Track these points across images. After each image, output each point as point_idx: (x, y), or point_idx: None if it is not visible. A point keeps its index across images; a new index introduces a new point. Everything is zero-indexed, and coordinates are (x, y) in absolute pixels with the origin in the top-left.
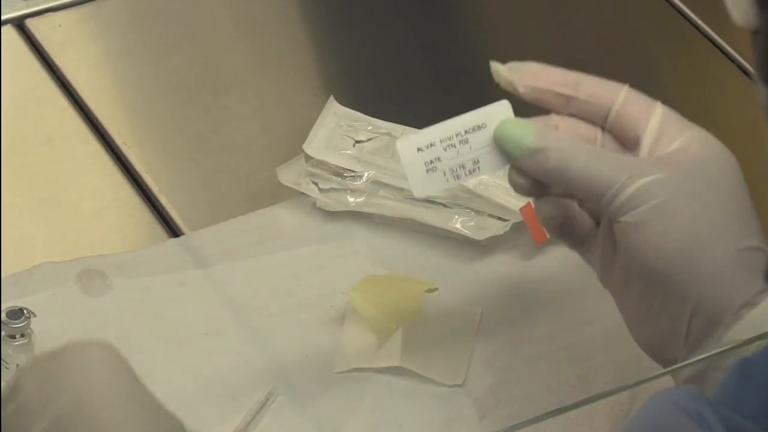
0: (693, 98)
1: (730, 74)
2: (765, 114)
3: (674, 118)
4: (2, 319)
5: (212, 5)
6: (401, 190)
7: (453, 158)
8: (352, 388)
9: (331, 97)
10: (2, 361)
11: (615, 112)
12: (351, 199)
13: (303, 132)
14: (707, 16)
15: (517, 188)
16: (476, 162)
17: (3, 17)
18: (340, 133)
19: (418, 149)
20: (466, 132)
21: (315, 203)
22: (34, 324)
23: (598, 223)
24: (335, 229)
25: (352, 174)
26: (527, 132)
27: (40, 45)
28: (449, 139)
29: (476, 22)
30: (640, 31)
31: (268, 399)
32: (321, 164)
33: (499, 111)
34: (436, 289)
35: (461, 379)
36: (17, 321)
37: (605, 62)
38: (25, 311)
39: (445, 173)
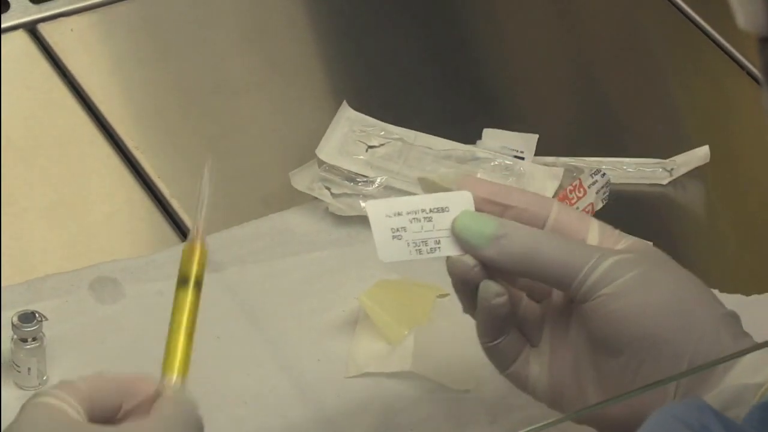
0: (701, 104)
1: (739, 80)
2: None
3: (609, 226)
4: (14, 322)
5: (224, 10)
6: (414, 195)
7: (417, 232)
8: (364, 392)
9: (344, 103)
10: (14, 365)
11: (552, 220)
12: (363, 204)
13: (316, 137)
14: (716, 22)
15: (467, 276)
16: (437, 242)
17: (15, 22)
18: (352, 138)
19: (386, 215)
20: (430, 210)
21: (327, 208)
22: (47, 330)
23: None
24: (347, 234)
25: (365, 179)
26: (489, 222)
27: (52, 49)
28: (415, 213)
29: (487, 29)
30: (649, 37)
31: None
32: (334, 169)
33: (461, 200)
34: (448, 294)
35: (472, 384)
36: (29, 324)
37: (613, 68)
38: (36, 315)
39: (408, 244)
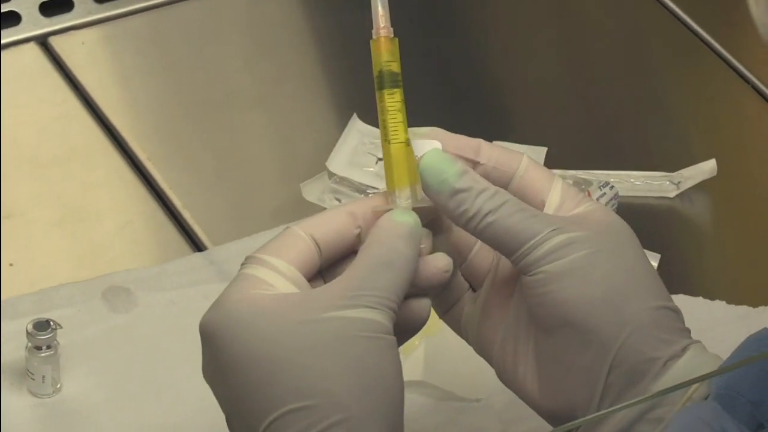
0: (708, 118)
1: (745, 95)
2: None
3: (573, 189)
4: (29, 330)
5: (235, 23)
6: None
7: None
8: None
9: (354, 115)
10: (28, 373)
11: (519, 177)
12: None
13: (326, 149)
14: (723, 38)
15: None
16: None
17: (27, 35)
18: (362, 150)
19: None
20: None
21: None
22: (60, 338)
23: (472, 288)
24: None
25: (375, 190)
26: (452, 166)
27: (64, 62)
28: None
29: (496, 41)
30: (657, 52)
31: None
32: (344, 181)
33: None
34: None
35: (483, 393)
36: (43, 332)
37: (621, 82)
38: (51, 323)
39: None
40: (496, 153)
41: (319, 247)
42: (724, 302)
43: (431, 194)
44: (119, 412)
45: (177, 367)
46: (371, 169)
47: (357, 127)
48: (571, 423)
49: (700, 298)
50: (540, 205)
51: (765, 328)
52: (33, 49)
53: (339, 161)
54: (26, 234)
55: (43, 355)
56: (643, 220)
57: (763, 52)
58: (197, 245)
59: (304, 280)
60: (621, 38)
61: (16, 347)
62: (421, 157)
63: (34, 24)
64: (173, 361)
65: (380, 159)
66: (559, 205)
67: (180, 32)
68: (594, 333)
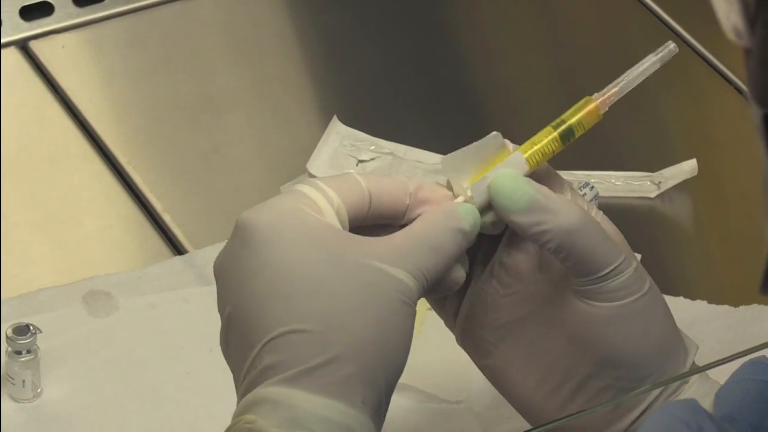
0: (688, 117)
1: (725, 93)
2: (759, 133)
3: (577, 193)
4: (8, 335)
5: (215, 26)
6: None
7: None
8: None
9: (335, 117)
10: (8, 377)
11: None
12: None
13: (306, 151)
14: (702, 36)
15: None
16: None
17: (7, 39)
18: (343, 152)
19: None
20: None
21: None
22: (40, 342)
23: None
24: None
25: None
26: (528, 185)
27: (44, 66)
28: None
29: (476, 43)
30: (636, 51)
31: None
32: None
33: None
34: None
35: (464, 395)
36: (23, 337)
37: (601, 81)
38: (31, 327)
39: None
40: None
41: (370, 203)
42: (705, 302)
43: (504, 209)
44: (100, 416)
45: (157, 371)
46: (352, 171)
47: (337, 129)
48: (550, 422)
49: (681, 297)
50: None
51: (764, 356)
52: (13, 53)
53: (319, 163)
54: (6, 238)
55: (23, 359)
56: (624, 220)
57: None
58: (177, 249)
59: (346, 219)
60: (602, 38)
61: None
62: (495, 173)
63: (14, 28)
64: (154, 364)
65: (361, 161)
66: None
67: (161, 36)
68: (637, 368)
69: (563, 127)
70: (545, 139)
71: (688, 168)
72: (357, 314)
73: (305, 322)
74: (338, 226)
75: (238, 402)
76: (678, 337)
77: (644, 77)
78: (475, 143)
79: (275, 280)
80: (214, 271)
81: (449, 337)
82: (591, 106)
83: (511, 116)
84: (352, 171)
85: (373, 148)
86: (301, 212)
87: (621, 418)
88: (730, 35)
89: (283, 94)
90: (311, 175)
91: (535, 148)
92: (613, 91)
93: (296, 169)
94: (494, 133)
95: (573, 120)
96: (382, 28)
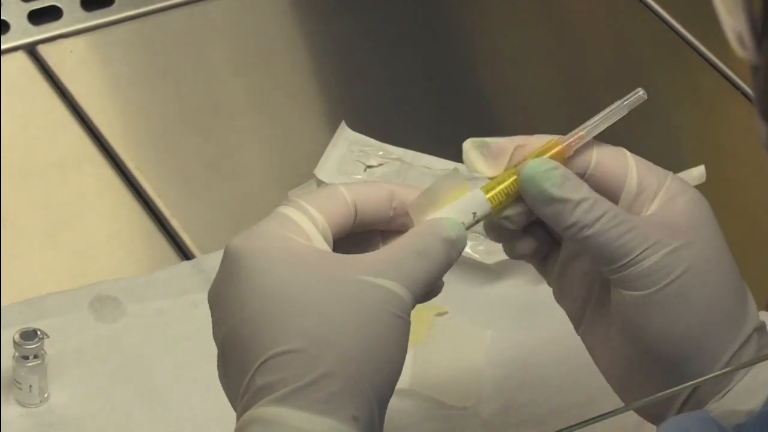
0: (697, 124)
1: (734, 99)
2: (766, 148)
3: (646, 166)
4: (16, 340)
5: (224, 31)
6: None
7: None
8: None
9: (343, 123)
10: (15, 382)
11: (592, 167)
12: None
13: (314, 157)
14: (710, 42)
15: (511, 224)
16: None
17: (15, 43)
18: (351, 158)
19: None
20: None
21: None
22: (48, 347)
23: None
24: None
25: None
26: (553, 177)
27: (52, 71)
28: None
29: (484, 49)
30: (644, 57)
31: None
32: None
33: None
34: (446, 312)
35: (471, 401)
36: (30, 342)
37: (609, 87)
38: (38, 332)
39: None
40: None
41: (355, 215)
42: None
43: (530, 201)
44: (107, 421)
45: (165, 376)
46: (359, 176)
47: (345, 134)
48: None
49: None
50: (620, 189)
51: None
52: (21, 57)
53: (327, 169)
54: (14, 244)
55: (30, 364)
56: None
57: None
58: (185, 254)
59: (331, 239)
60: (610, 43)
61: (3, 357)
62: (525, 162)
63: (22, 32)
64: (161, 370)
65: (369, 166)
66: (636, 194)
67: (169, 40)
68: (676, 365)
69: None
70: (509, 179)
71: (696, 174)
72: (345, 330)
73: (294, 341)
74: (324, 247)
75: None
76: (732, 317)
77: (610, 123)
78: (435, 181)
79: (264, 304)
80: (209, 301)
81: (456, 344)
82: (557, 149)
83: (519, 122)
84: (337, 183)
85: (381, 153)
86: (286, 238)
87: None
88: (738, 51)
89: (291, 99)
90: (319, 181)
91: (499, 188)
92: (579, 134)
93: (304, 174)
94: (453, 167)
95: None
96: (390, 34)
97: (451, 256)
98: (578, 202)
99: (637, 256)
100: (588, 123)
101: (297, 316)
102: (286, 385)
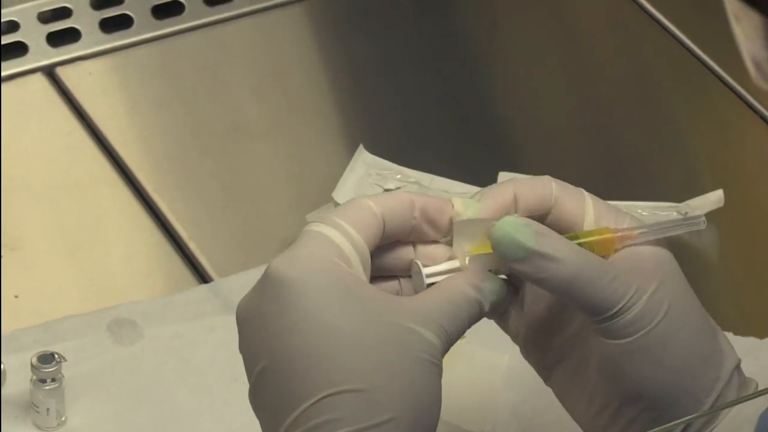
0: (715, 148)
1: (752, 124)
2: None
3: (604, 206)
4: (33, 363)
5: (241, 54)
6: None
7: None
8: None
9: (361, 146)
10: (33, 405)
11: (553, 207)
12: None
13: (332, 180)
14: (728, 66)
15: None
16: None
17: (34, 65)
18: (369, 181)
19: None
20: None
21: None
22: (65, 370)
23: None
24: None
25: None
26: (528, 233)
27: (71, 93)
28: None
29: (502, 72)
30: (662, 81)
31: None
32: None
33: None
34: (464, 336)
35: (488, 426)
36: (48, 366)
37: (627, 111)
38: (56, 356)
39: None
40: (530, 194)
41: (384, 228)
42: (731, 333)
43: (505, 257)
44: None
45: (182, 400)
46: (362, 196)
47: (363, 158)
48: None
49: None
50: (577, 229)
51: None
52: (40, 79)
53: (345, 192)
54: (31, 266)
55: (47, 388)
56: None
57: None
58: (203, 277)
59: (369, 260)
60: (627, 68)
61: (21, 380)
62: (496, 223)
63: (41, 54)
64: (178, 393)
65: (386, 190)
66: (595, 224)
67: (187, 62)
68: (659, 409)
69: (577, 241)
70: None
71: (714, 198)
72: (403, 375)
73: (355, 382)
74: (364, 276)
75: None
76: (712, 355)
77: (662, 235)
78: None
79: (313, 337)
80: (238, 316)
81: (474, 366)
82: (607, 236)
83: (536, 147)
84: (363, 196)
85: (399, 177)
86: (331, 264)
87: None
88: (755, 77)
89: (309, 122)
90: (337, 204)
91: None
92: (634, 233)
93: (322, 197)
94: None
95: (588, 239)
96: (408, 57)
97: (481, 316)
98: (556, 259)
99: (624, 305)
100: (645, 227)
101: (355, 354)
102: (348, 425)
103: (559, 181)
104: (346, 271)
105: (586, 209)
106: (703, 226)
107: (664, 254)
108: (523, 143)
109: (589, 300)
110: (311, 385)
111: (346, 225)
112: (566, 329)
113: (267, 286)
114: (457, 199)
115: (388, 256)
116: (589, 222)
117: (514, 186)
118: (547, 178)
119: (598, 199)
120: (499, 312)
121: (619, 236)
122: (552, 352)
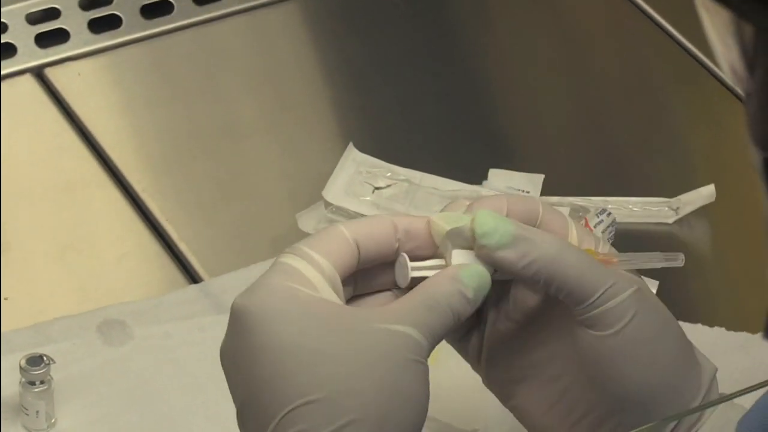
0: (707, 143)
1: (734, 111)
2: (760, 176)
3: (585, 232)
4: (22, 365)
5: (232, 53)
6: None
7: None
8: None
9: (351, 144)
10: (22, 408)
11: (537, 224)
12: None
13: (322, 179)
14: (713, 54)
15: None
16: None
17: (22, 66)
18: (359, 179)
19: None
20: None
21: None
22: (55, 372)
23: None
24: None
25: None
26: (509, 223)
27: (60, 94)
28: None
29: (493, 70)
30: (654, 76)
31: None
32: (340, 211)
33: None
34: None
35: (479, 424)
36: (37, 368)
37: (619, 107)
38: (44, 358)
39: None
40: (519, 206)
41: (359, 253)
42: (723, 329)
43: (490, 247)
44: None
45: (173, 400)
46: (368, 198)
47: (353, 156)
48: None
49: (699, 324)
50: None
51: None
52: (29, 80)
53: (335, 191)
54: (21, 267)
55: (36, 390)
56: (642, 246)
57: None
58: (193, 277)
59: (340, 285)
60: (620, 64)
61: (11, 382)
62: (476, 214)
63: (29, 55)
64: (169, 393)
65: (377, 188)
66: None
67: (177, 62)
68: (654, 409)
69: None
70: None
71: (706, 193)
72: (364, 376)
73: (314, 392)
74: (334, 297)
75: None
76: (693, 361)
77: (641, 266)
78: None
79: (276, 359)
80: (222, 365)
81: (465, 365)
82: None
83: (528, 144)
84: (337, 221)
85: (389, 174)
86: (289, 289)
87: None
88: (730, 78)
89: (299, 121)
90: (327, 203)
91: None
92: (614, 260)
93: (312, 196)
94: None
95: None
96: (398, 56)
97: (467, 308)
98: (539, 241)
99: (608, 289)
100: (626, 257)
101: (312, 367)
102: None
103: (545, 202)
104: (307, 294)
105: (570, 231)
106: (680, 264)
107: (641, 281)
108: (514, 140)
109: (575, 282)
110: (276, 404)
111: (313, 252)
112: (533, 344)
113: (232, 322)
114: (439, 214)
115: (376, 277)
116: (572, 242)
117: (506, 198)
118: (534, 197)
119: (581, 225)
120: (460, 333)
121: (600, 258)
122: (516, 371)
